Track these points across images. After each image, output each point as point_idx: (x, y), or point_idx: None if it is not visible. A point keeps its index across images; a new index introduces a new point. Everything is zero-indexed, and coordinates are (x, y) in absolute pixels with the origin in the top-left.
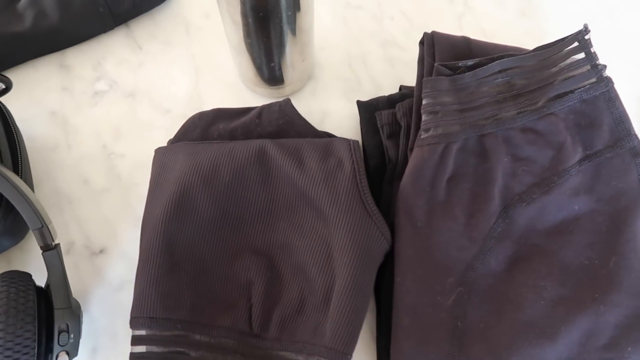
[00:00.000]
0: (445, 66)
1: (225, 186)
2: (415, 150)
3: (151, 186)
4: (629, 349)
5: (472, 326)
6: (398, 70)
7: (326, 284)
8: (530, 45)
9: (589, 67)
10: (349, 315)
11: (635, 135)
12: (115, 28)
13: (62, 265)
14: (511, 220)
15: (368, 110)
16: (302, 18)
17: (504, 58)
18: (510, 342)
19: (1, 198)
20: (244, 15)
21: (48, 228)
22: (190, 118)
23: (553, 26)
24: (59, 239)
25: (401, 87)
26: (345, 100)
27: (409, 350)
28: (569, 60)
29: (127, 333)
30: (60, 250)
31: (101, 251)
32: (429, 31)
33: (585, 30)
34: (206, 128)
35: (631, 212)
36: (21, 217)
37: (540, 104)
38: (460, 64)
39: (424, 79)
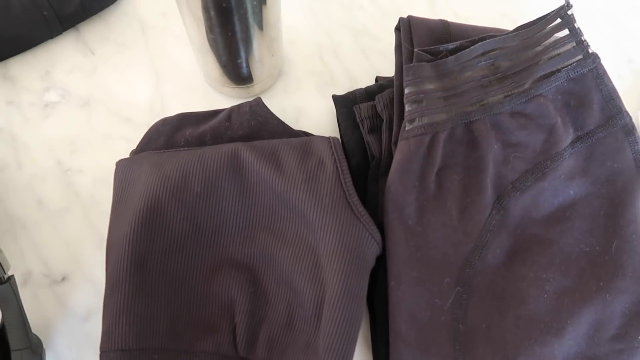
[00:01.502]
0: (426, 51)
1: (197, 197)
2: (401, 144)
3: (114, 203)
4: (639, 337)
5: (474, 327)
6: (373, 61)
7: (315, 295)
8: (507, 27)
9: (574, 43)
10: (342, 327)
11: (627, 113)
12: (64, 32)
13: (17, 300)
14: (506, 211)
15: (345, 104)
16: (268, 10)
17: (485, 40)
18: (516, 341)
19: None
20: (206, 8)
21: None
22: (154, 125)
23: (528, 6)
24: (14, 269)
25: (377, 78)
26: (320, 95)
27: (409, 359)
28: (552, 38)
29: None
30: (15, 283)
31: (63, 279)
32: (407, 16)
33: (568, 5)
34: (171, 135)
35: (629, 192)
36: None
37: (527, 85)
38: (441, 48)
39: (405, 66)
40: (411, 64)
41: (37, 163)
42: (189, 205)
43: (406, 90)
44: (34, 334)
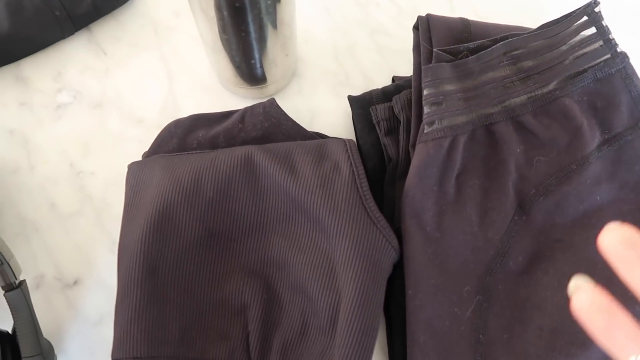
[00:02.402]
0: (445, 51)
1: (209, 202)
2: (419, 147)
3: (126, 207)
4: None
5: (495, 338)
6: (389, 60)
7: (331, 303)
8: (528, 25)
9: (601, 42)
10: (358, 337)
11: None
12: (76, 33)
13: (28, 305)
14: (528, 216)
15: (361, 105)
16: (282, 9)
17: (507, 39)
18: (539, 352)
19: None
20: (218, 7)
21: (9, 264)
22: (166, 127)
23: (550, 3)
24: (27, 272)
25: (394, 78)
26: (335, 96)
27: None
28: (578, 37)
29: None
30: (27, 288)
31: (75, 282)
32: (426, 14)
33: (595, 2)
34: (184, 137)
35: None
36: None
37: (551, 86)
38: (461, 48)
39: (424, 66)
40: (430, 65)
41: (49, 165)
42: (202, 210)
43: (425, 92)
44: (46, 339)
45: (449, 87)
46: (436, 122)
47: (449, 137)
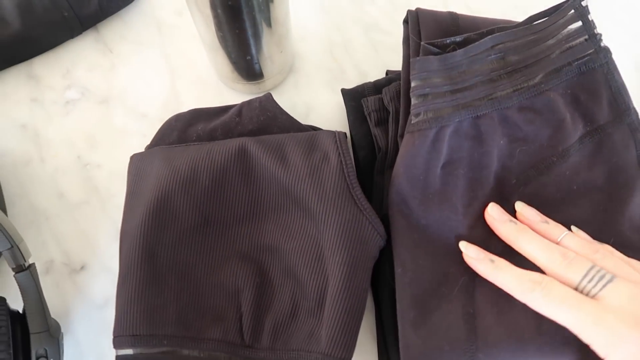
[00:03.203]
0: (433, 44)
1: (205, 190)
2: (406, 137)
3: (127, 195)
4: None
5: (485, 311)
6: (383, 56)
7: (319, 286)
8: (519, 19)
9: (586, 36)
10: (344, 317)
11: (634, 110)
12: (84, 33)
13: (36, 286)
14: (509, 205)
15: (354, 98)
16: (275, 7)
17: (495, 32)
18: (529, 323)
19: None
20: (213, 6)
21: (19, 247)
22: (167, 121)
23: None
24: (38, 258)
25: (387, 72)
26: (330, 90)
27: (420, 343)
28: (565, 31)
29: (113, 352)
30: (35, 271)
31: (82, 267)
32: (415, 8)
33: None
34: (184, 130)
35: (630, 189)
36: None
37: (537, 79)
38: (448, 41)
39: (412, 59)
40: (418, 57)
41: (58, 158)
42: (198, 198)
43: (413, 84)
44: (53, 319)
45: (436, 80)
46: (422, 113)
47: (434, 128)
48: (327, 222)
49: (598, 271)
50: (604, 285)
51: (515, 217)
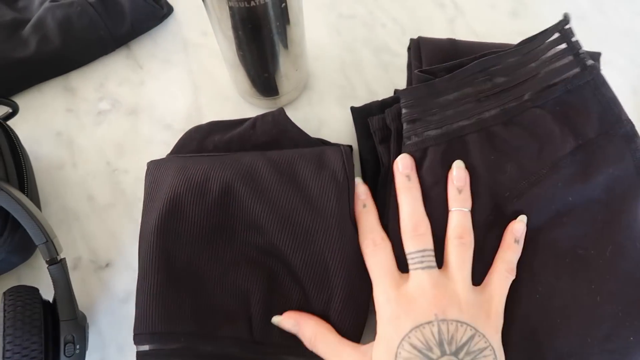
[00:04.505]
0: (425, 72)
1: (215, 199)
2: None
3: (145, 200)
4: (631, 338)
5: None
6: (392, 76)
7: (323, 299)
8: None
9: (571, 57)
10: (348, 327)
11: (628, 120)
12: (116, 50)
13: (67, 277)
14: (503, 216)
15: (362, 115)
16: (292, 30)
17: (485, 57)
18: (511, 339)
19: (7, 217)
20: (235, 28)
21: (53, 242)
22: (187, 132)
23: (545, 24)
24: (67, 255)
25: (395, 91)
26: (341, 107)
27: None
28: (550, 52)
29: (133, 344)
30: (66, 264)
31: (107, 265)
32: (417, 37)
33: (566, 19)
34: (202, 140)
35: (628, 199)
36: (27, 235)
37: (525, 97)
38: (440, 68)
39: (399, 90)
40: (404, 89)
41: (89, 163)
42: (209, 208)
43: (402, 111)
44: (80, 311)
45: (424, 107)
46: (412, 137)
47: (420, 150)
48: (332, 239)
49: (424, 256)
50: (421, 268)
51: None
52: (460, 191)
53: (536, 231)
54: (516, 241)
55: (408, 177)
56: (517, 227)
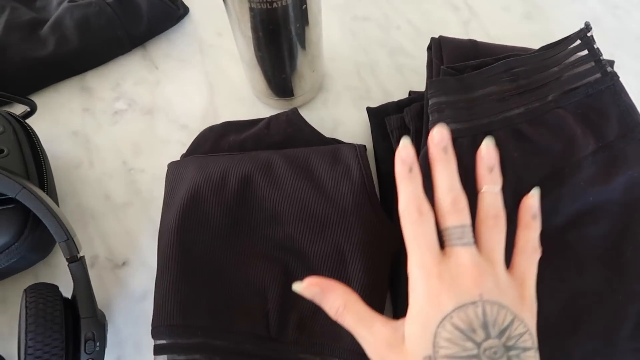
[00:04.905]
0: (452, 68)
1: (234, 195)
2: (425, 150)
3: (165, 198)
4: None
5: None
6: (407, 77)
7: None
8: (535, 47)
9: (592, 63)
10: None
11: None
12: (133, 50)
13: (87, 275)
14: None
15: (377, 116)
16: (310, 31)
17: (509, 58)
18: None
19: (28, 215)
20: (255, 29)
21: (73, 240)
22: (201, 132)
23: (558, 27)
24: (84, 253)
25: (410, 93)
26: (356, 108)
27: None
28: (572, 58)
29: (150, 342)
30: (85, 262)
31: (124, 263)
32: (438, 36)
33: (587, 27)
34: (217, 141)
35: None
36: (47, 233)
37: (549, 98)
38: (466, 65)
39: (429, 80)
40: (435, 78)
41: (106, 162)
42: (227, 202)
43: (430, 102)
44: (99, 308)
45: (453, 98)
46: None
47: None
48: (348, 230)
49: (464, 232)
50: (461, 245)
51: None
52: (491, 170)
53: (558, 230)
54: (534, 217)
55: (445, 149)
56: (532, 203)
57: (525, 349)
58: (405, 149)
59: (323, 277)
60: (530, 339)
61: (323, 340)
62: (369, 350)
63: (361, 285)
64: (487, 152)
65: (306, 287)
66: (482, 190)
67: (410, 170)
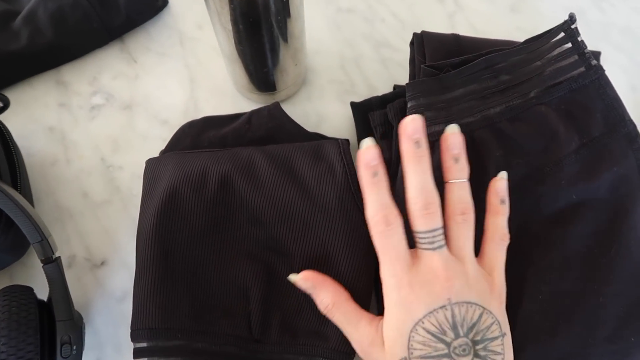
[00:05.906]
0: (431, 67)
1: (214, 193)
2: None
3: (143, 197)
4: (632, 339)
5: None
6: (391, 71)
7: None
8: (521, 39)
9: (576, 56)
10: None
11: (631, 121)
12: (110, 43)
13: (62, 277)
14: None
15: (362, 111)
16: (292, 24)
17: (491, 54)
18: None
19: (0, 215)
20: (235, 22)
21: (48, 241)
22: (181, 128)
23: (544, 20)
24: (61, 253)
25: (395, 87)
26: (340, 102)
27: None
28: (556, 51)
29: (130, 343)
30: (61, 263)
31: (102, 263)
32: (421, 31)
33: (572, 19)
34: (196, 136)
35: (632, 198)
36: (22, 233)
37: (530, 95)
38: (446, 63)
39: (407, 82)
40: (414, 80)
41: (83, 159)
42: (207, 202)
43: (409, 104)
44: (76, 310)
45: (431, 100)
46: None
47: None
48: (333, 228)
49: (435, 236)
50: (432, 249)
51: (517, 228)
52: (457, 160)
53: (541, 229)
54: (502, 202)
55: (418, 142)
56: (500, 186)
57: (493, 339)
58: (368, 151)
59: (317, 272)
60: (498, 328)
61: (307, 340)
62: (354, 345)
63: (347, 283)
64: (452, 139)
65: (301, 279)
66: (448, 182)
67: (375, 174)
